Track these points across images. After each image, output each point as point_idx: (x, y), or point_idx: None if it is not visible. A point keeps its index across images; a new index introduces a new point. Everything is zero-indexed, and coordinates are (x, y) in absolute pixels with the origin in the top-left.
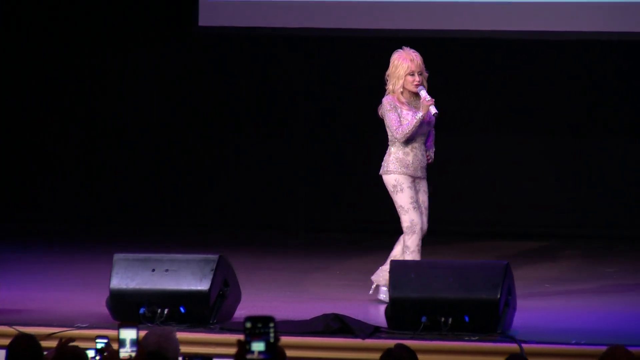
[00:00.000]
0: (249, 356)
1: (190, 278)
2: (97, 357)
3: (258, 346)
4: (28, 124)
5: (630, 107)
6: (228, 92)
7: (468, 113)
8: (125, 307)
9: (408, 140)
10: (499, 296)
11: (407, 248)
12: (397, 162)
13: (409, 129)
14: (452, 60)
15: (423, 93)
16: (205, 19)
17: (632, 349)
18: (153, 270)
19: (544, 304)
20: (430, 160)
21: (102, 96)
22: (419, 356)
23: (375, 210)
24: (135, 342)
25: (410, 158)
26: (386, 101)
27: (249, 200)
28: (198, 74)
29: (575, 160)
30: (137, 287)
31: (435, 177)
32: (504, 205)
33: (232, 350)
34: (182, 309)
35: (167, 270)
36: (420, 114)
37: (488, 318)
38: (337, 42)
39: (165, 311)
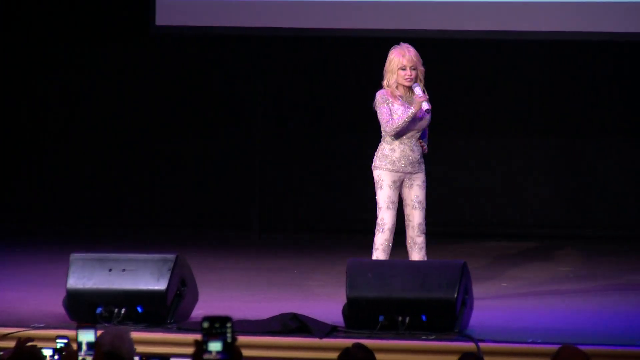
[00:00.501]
0: (206, 356)
1: (147, 278)
2: (56, 357)
3: (215, 346)
4: None
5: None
6: (184, 92)
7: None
8: (82, 307)
9: (397, 136)
10: (456, 295)
11: (374, 245)
12: (383, 158)
13: (399, 123)
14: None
15: (417, 89)
16: (162, 19)
17: (585, 348)
18: (110, 270)
19: (501, 303)
20: (425, 151)
21: (56, 95)
22: (377, 355)
23: (334, 209)
24: (93, 345)
25: (396, 154)
26: (379, 95)
27: (206, 200)
28: (155, 73)
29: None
30: (94, 287)
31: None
32: (459, 205)
33: (190, 350)
34: (139, 309)
35: (124, 270)
36: (412, 110)
37: (445, 317)
38: (295, 41)
39: (123, 311)
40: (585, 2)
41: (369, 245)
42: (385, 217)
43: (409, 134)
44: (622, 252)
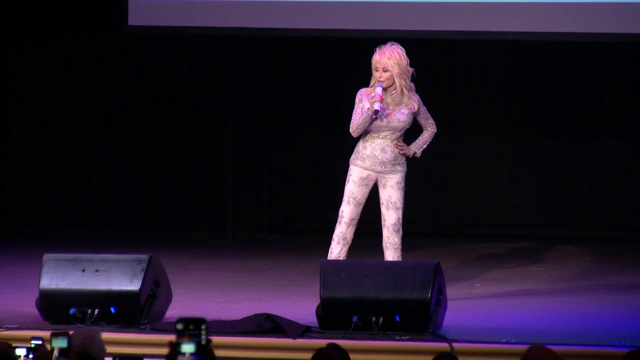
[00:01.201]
0: (179, 357)
1: (121, 278)
2: (30, 356)
3: (189, 347)
4: None
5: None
6: (157, 91)
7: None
8: (55, 308)
9: (369, 134)
10: (429, 295)
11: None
12: (356, 153)
13: (355, 124)
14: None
15: (377, 89)
16: (135, 19)
17: (557, 348)
18: (83, 270)
19: (474, 303)
20: (401, 151)
21: (27, 94)
22: (351, 356)
23: (307, 210)
24: (66, 351)
25: (367, 152)
26: (357, 93)
27: (179, 201)
28: (127, 73)
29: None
30: (67, 287)
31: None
32: (434, 205)
33: (163, 351)
34: (112, 309)
35: (97, 271)
36: (364, 111)
37: (419, 317)
38: (267, 41)
39: (96, 311)
40: (546, 3)
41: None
42: (344, 211)
43: (382, 134)
44: (596, 253)
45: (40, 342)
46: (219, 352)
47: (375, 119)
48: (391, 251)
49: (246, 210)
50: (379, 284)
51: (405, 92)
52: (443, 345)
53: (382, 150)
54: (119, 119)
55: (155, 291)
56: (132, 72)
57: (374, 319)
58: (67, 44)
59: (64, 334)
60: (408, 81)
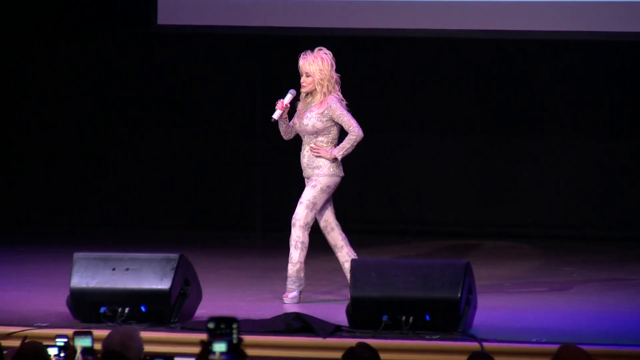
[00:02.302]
0: (210, 356)
1: (151, 277)
2: (62, 355)
3: (220, 347)
4: None
5: (594, 106)
6: (187, 91)
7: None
8: (86, 306)
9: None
10: (459, 295)
11: None
12: None
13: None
14: (417, 60)
15: (287, 97)
16: (164, 18)
17: (587, 347)
18: (113, 269)
19: (504, 302)
20: (318, 153)
21: (58, 94)
22: (381, 355)
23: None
24: (90, 350)
25: (300, 160)
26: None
27: (208, 201)
28: (156, 72)
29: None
30: (98, 286)
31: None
32: (462, 204)
33: (193, 350)
34: (143, 308)
35: (127, 269)
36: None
37: (449, 317)
38: (296, 40)
39: (126, 310)
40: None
41: (371, 245)
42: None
43: (304, 140)
44: (624, 253)
45: (65, 340)
46: (248, 351)
47: (276, 124)
48: (292, 247)
49: (275, 210)
50: (409, 283)
51: (322, 97)
52: (473, 345)
53: (302, 155)
54: (148, 119)
55: (186, 290)
56: (157, 71)
57: (403, 318)
58: (90, 42)
59: (87, 333)
60: (330, 86)
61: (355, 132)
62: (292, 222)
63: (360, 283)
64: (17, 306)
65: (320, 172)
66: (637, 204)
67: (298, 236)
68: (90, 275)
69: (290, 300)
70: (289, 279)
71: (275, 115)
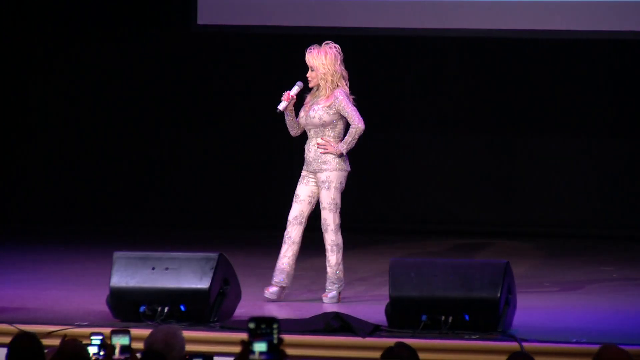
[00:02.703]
0: (251, 356)
1: (190, 276)
2: (101, 353)
3: (260, 347)
4: (22, 123)
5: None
6: (224, 90)
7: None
8: (126, 306)
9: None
10: (499, 295)
11: None
12: None
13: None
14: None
15: (293, 89)
16: (204, 17)
17: (628, 348)
18: (153, 268)
19: (544, 302)
20: (326, 149)
21: (99, 93)
22: (420, 355)
23: (374, 208)
24: (128, 348)
25: (305, 153)
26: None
27: (246, 200)
28: (195, 72)
29: (574, 159)
30: (137, 285)
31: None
32: (501, 204)
33: (233, 349)
34: (182, 307)
35: (167, 269)
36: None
37: (488, 317)
38: (337, 40)
39: (166, 309)
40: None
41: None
42: (291, 212)
43: (309, 133)
44: None
45: (101, 337)
46: (288, 351)
47: (282, 116)
48: (328, 250)
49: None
50: (448, 283)
51: (328, 91)
52: (513, 345)
53: (308, 149)
54: (182, 117)
55: (225, 289)
56: (199, 70)
57: (443, 318)
58: (130, 42)
59: (125, 332)
60: (336, 80)
61: (355, 124)
62: (323, 229)
63: (400, 283)
64: (57, 305)
65: (328, 167)
66: None
67: (332, 240)
68: (130, 274)
69: (329, 300)
70: (328, 280)
71: (281, 106)
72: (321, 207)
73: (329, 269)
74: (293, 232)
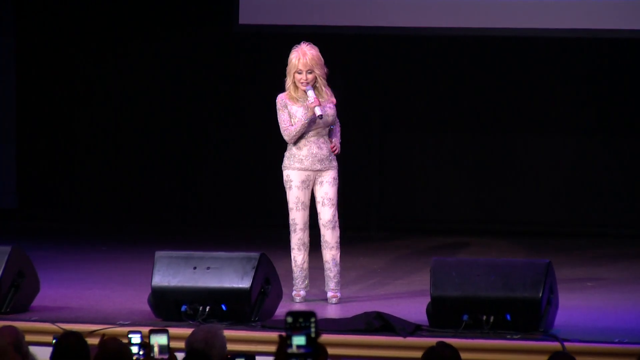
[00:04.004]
0: (289, 350)
1: (232, 276)
2: (141, 352)
3: (298, 340)
4: (67, 124)
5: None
6: (261, 90)
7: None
8: (167, 305)
9: (301, 136)
10: (541, 295)
11: (290, 244)
12: (290, 157)
13: (295, 131)
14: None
15: (310, 94)
16: (246, 17)
17: None
18: (195, 268)
19: (586, 302)
20: (336, 151)
21: (144, 95)
22: (462, 354)
23: (414, 208)
24: (166, 349)
25: (304, 153)
26: (278, 100)
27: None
28: (237, 72)
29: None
30: (179, 284)
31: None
32: (534, 203)
33: (274, 349)
34: (223, 307)
35: (208, 268)
36: (307, 116)
37: (530, 316)
38: (379, 40)
39: (207, 309)
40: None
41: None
42: (296, 218)
43: (314, 131)
44: None
45: (138, 335)
46: (329, 350)
47: (323, 119)
48: (327, 249)
49: (355, 208)
50: (490, 282)
51: (328, 90)
52: (555, 345)
53: (319, 147)
54: (223, 119)
55: (266, 289)
56: (238, 70)
57: (484, 317)
58: (172, 42)
59: (164, 331)
60: (325, 79)
61: (338, 122)
62: (327, 226)
63: (441, 282)
64: (99, 304)
65: (334, 164)
66: None
67: (338, 236)
68: (172, 274)
69: (337, 300)
70: (333, 280)
71: (320, 111)
72: (326, 204)
73: (334, 268)
74: (306, 238)
